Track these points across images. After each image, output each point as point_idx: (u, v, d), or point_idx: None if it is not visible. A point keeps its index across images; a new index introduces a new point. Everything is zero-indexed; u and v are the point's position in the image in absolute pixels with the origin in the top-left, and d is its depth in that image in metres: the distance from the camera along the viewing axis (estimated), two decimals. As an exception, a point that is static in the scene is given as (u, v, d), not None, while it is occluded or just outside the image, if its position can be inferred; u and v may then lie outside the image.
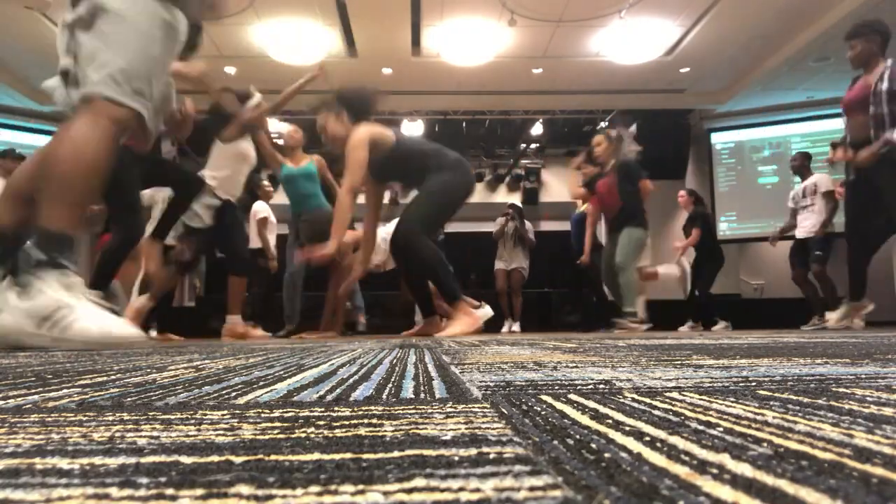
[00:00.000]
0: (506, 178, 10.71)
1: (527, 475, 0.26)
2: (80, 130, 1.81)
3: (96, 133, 1.81)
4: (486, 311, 3.97)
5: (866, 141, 4.00)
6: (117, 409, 0.50)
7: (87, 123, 1.81)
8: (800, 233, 5.97)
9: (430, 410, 0.46)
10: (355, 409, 0.48)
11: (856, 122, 4.11)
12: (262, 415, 0.45)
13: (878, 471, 0.26)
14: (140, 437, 0.37)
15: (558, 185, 10.55)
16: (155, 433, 0.38)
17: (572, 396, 0.54)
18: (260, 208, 6.14)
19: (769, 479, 0.25)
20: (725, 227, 9.22)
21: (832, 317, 4.80)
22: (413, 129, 9.44)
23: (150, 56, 1.91)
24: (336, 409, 0.48)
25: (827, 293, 5.50)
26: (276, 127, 9.11)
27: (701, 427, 0.37)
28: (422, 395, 0.56)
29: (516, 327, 7.30)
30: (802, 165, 6.10)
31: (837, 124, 8.00)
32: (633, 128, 5.25)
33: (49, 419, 0.45)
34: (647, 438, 0.34)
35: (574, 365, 0.92)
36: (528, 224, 7.63)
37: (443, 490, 0.24)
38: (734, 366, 0.86)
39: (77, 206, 1.81)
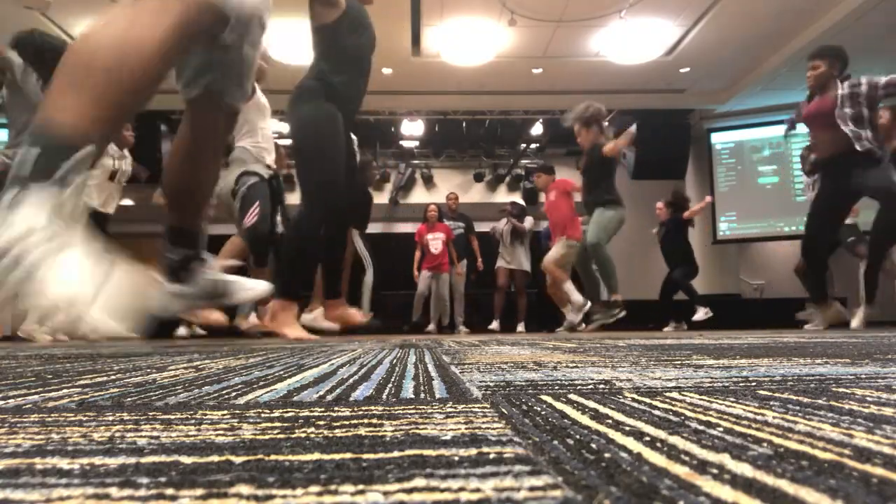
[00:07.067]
0: (506, 178, 10.71)
1: (527, 475, 0.26)
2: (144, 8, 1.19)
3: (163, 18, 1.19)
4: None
5: (836, 154, 4.05)
6: (117, 409, 0.50)
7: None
8: None
9: (430, 410, 0.46)
10: (355, 409, 0.48)
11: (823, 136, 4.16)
12: (262, 415, 0.45)
13: (878, 471, 0.26)
14: (140, 437, 0.37)
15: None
16: (155, 433, 0.38)
17: (572, 396, 0.54)
18: None
19: (769, 479, 0.25)
20: (725, 227, 9.21)
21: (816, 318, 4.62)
22: (413, 128, 9.44)
23: None
24: (336, 409, 0.48)
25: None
26: (276, 127, 9.12)
27: (701, 427, 0.37)
28: (422, 395, 0.56)
29: (521, 328, 7.19)
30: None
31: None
32: (633, 128, 5.21)
33: (49, 419, 0.45)
34: (647, 438, 0.34)
35: (574, 365, 0.92)
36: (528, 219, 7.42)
37: (443, 490, 0.24)
38: (734, 366, 0.86)
39: (104, 102, 1.11)
